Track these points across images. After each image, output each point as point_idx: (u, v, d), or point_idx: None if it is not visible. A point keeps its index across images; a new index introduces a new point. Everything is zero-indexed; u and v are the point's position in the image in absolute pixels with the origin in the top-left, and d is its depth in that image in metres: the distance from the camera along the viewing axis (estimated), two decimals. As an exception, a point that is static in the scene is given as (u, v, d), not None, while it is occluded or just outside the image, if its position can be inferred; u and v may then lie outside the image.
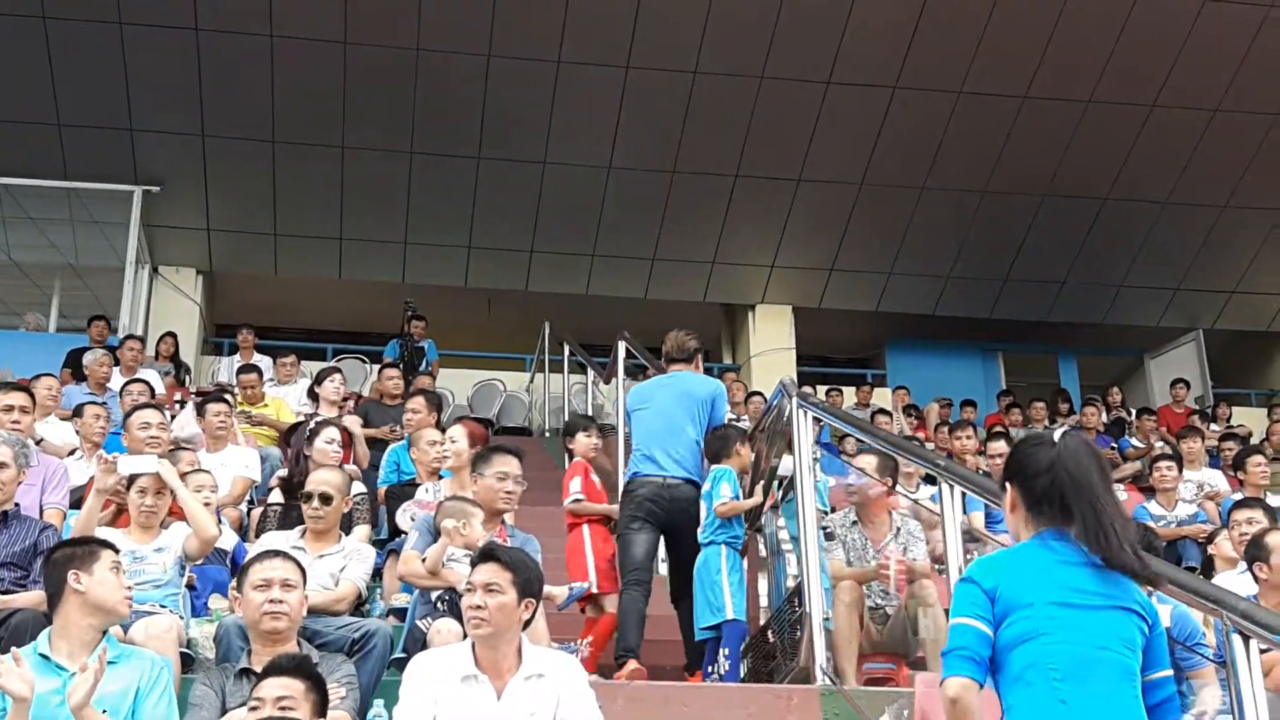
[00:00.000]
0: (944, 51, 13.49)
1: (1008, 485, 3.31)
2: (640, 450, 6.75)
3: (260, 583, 4.74)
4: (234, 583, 5.20)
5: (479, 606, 4.22)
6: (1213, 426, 14.06)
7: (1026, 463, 3.26)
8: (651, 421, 6.76)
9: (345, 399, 10.43)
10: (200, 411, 8.31)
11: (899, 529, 6.43)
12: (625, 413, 7.40)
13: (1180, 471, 9.82)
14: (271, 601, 4.70)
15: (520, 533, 5.91)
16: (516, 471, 5.91)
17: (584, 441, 7.33)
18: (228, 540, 6.58)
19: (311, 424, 7.87)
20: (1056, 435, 3.25)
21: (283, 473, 7.73)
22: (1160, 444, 12.88)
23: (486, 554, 4.39)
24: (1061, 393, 15.46)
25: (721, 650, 6.14)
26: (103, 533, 5.46)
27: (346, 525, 6.30)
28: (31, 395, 7.25)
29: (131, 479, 5.75)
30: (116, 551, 4.65)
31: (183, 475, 6.37)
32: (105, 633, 4.49)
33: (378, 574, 6.58)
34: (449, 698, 4.14)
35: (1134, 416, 14.33)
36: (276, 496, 7.15)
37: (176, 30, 12.85)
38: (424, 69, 13.30)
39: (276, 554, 4.96)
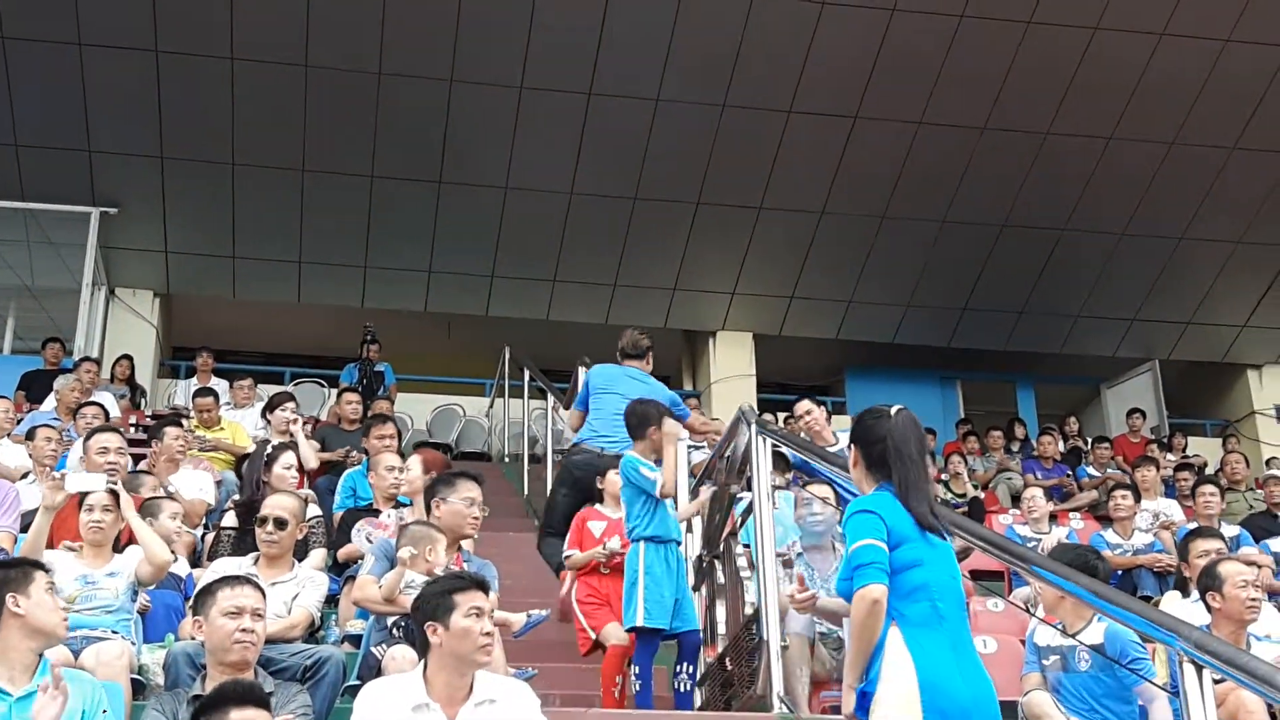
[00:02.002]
0: (904, 82, 13.59)
1: (852, 446, 4.06)
2: (594, 425, 7.45)
3: (232, 610, 4.62)
4: (192, 608, 5.13)
5: (492, 634, 4.27)
6: (1169, 456, 14.17)
7: (867, 432, 4.01)
8: (616, 404, 7.28)
9: (305, 423, 10.38)
10: (158, 435, 8.24)
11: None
12: (585, 388, 7.87)
13: (1137, 501, 9.88)
14: (244, 631, 4.60)
15: (477, 559, 5.88)
16: (480, 497, 5.91)
17: (614, 480, 6.67)
18: (181, 566, 6.52)
19: (269, 449, 7.81)
20: (892, 411, 3.98)
21: (238, 497, 7.68)
22: (1116, 472, 12.97)
23: (481, 583, 4.38)
24: (1019, 421, 15.54)
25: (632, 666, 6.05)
26: (54, 556, 5.41)
27: (302, 550, 6.25)
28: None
29: (82, 498, 5.69)
30: (47, 571, 4.58)
31: (146, 501, 6.35)
32: (42, 655, 4.42)
33: (332, 600, 6.53)
34: (401, 727, 4.11)
35: (1089, 445, 14.42)
36: (230, 521, 7.08)
37: (136, 52, 12.79)
38: (385, 93, 13.28)
39: (245, 581, 4.85)
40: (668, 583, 6.08)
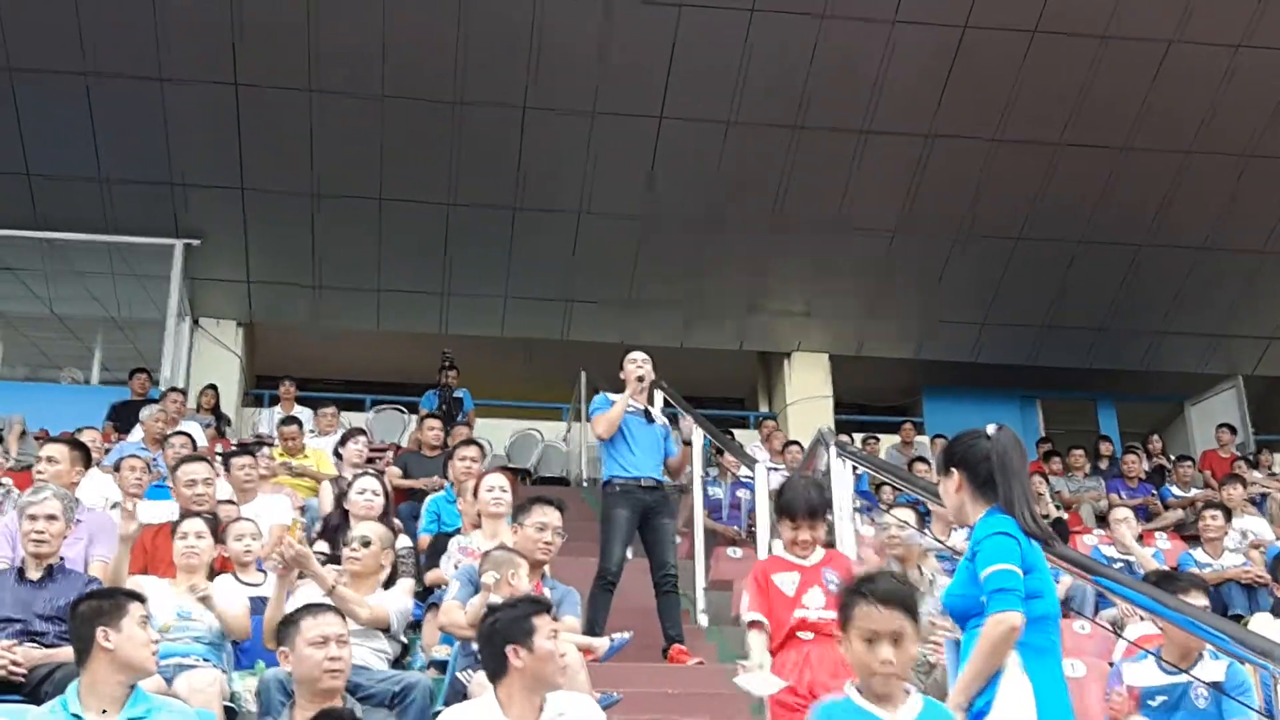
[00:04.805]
0: (979, 99, 13.49)
1: (953, 470, 3.95)
2: None
3: (318, 639, 4.67)
4: (276, 637, 5.18)
5: (565, 655, 4.53)
6: (1255, 474, 13.92)
7: (970, 453, 3.93)
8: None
9: (381, 451, 10.46)
10: (226, 466, 8.33)
11: (932, 582, 6.36)
12: None
13: (1228, 520, 9.70)
14: (332, 659, 4.64)
15: (560, 585, 5.91)
16: (556, 523, 5.95)
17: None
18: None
19: (349, 476, 7.90)
20: (990, 430, 3.92)
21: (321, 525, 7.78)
22: (1201, 490, 12.78)
23: (548, 606, 4.52)
24: (1102, 440, 15.32)
25: None
26: (150, 585, 5.47)
27: (390, 580, 6.29)
28: (84, 449, 7.26)
29: (174, 526, 5.80)
30: (143, 602, 4.56)
31: (223, 528, 6.44)
32: (134, 686, 4.44)
33: (418, 626, 6.59)
34: (480, 750, 4.18)
35: (1173, 464, 14.19)
36: (319, 548, 7.18)
37: (217, 85, 12.99)
38: (461, 121, 13.40)
39: (327, 609, 4.91)
40: None
